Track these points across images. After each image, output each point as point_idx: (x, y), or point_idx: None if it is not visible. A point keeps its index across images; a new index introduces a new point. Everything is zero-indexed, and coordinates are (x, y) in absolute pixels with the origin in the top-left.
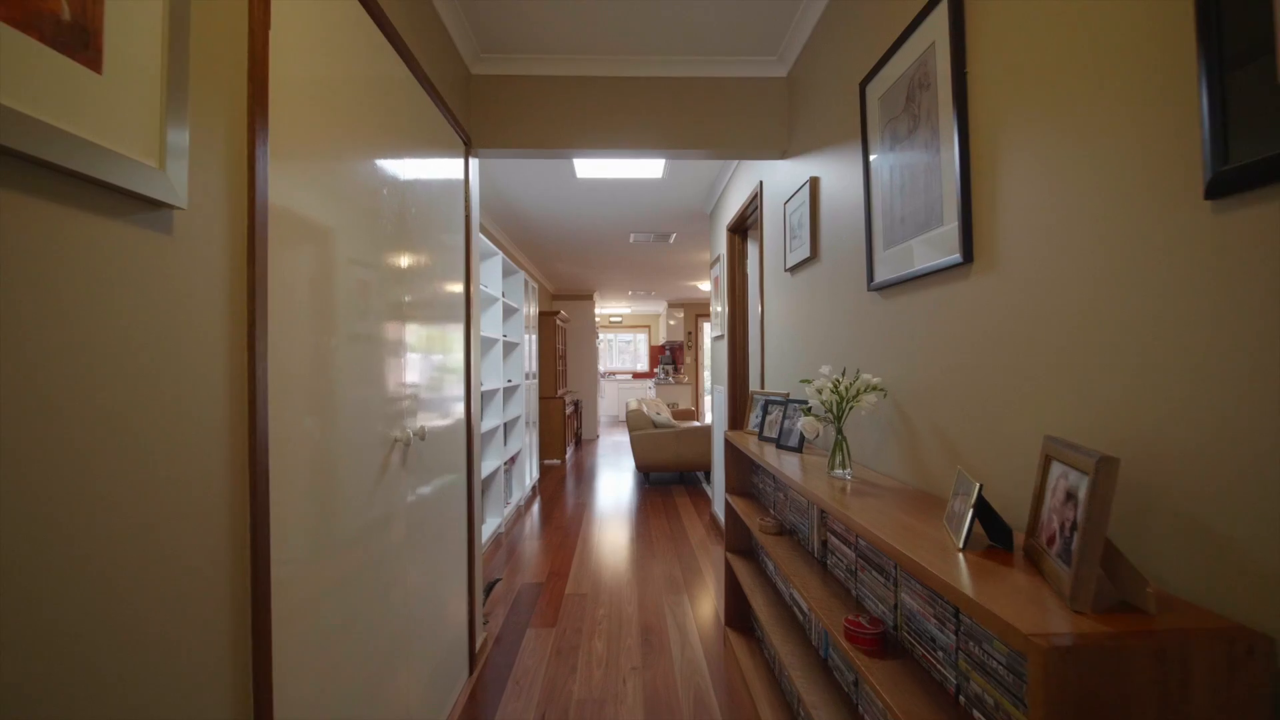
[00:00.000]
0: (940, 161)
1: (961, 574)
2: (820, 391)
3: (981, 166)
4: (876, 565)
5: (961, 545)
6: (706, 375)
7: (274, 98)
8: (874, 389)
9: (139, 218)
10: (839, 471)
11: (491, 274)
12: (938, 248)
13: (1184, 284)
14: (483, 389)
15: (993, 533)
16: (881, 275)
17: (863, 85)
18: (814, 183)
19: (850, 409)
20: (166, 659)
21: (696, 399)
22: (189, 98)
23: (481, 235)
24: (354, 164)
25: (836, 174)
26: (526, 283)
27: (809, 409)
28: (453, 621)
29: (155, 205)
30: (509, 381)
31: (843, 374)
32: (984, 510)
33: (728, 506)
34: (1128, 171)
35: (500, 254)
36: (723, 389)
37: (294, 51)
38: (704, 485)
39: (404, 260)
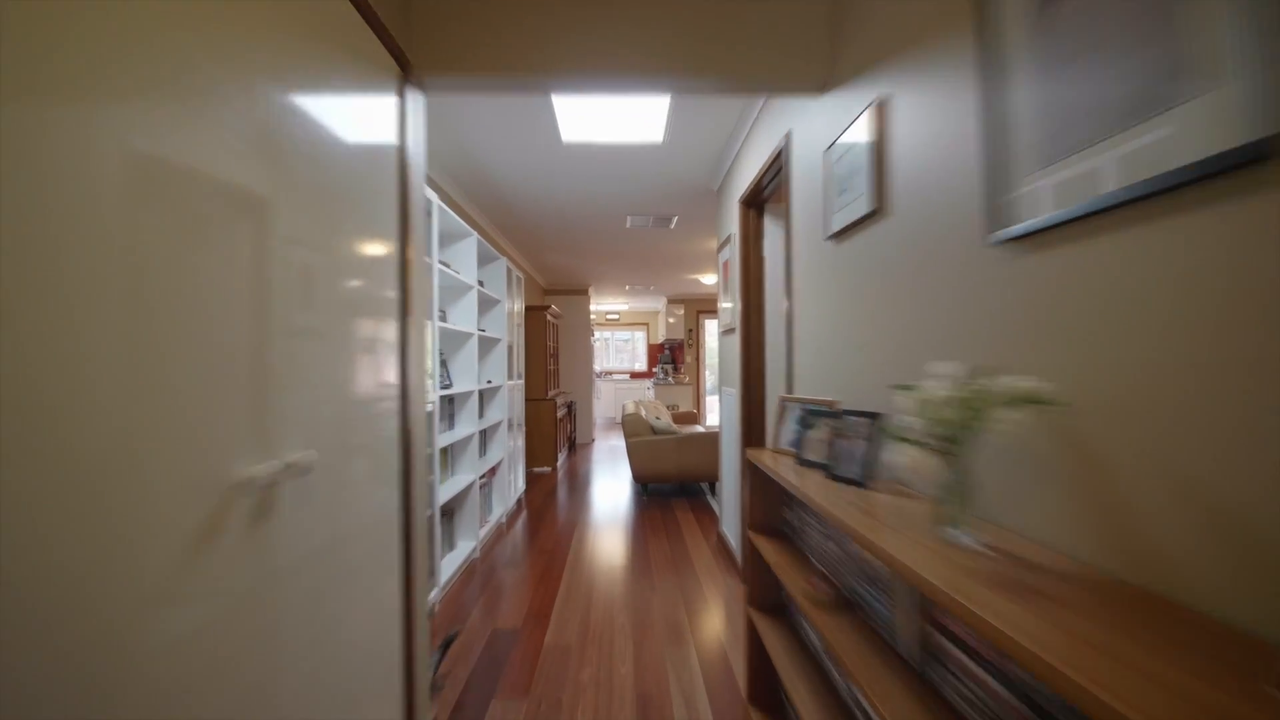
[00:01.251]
0: None
1: None
2: (928, 405)
3: None
4: None
5: None
6: (708, 375)
7: None
8: (1030, 399)
9: None
10: (957, 532)
11: (465, 258)
12: (1171, 147)
13: None
14: (452, 392)
15: None
16: (1024, 217)
17: None
18: (880, 107)
19: (978, 431)
20: None
21: (698, 400)
22: None
23: (450, 211)
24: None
25: (920, 85)
26: (510, 272)
27: (892, 427)
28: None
29: None
30: (488, 382)
31: (972, 376)
32: None
33: (750, 548)
34: None
35: (475, 235)
36: (733, 392)
37: None
38: (708, 498)
39: (277, 210)
